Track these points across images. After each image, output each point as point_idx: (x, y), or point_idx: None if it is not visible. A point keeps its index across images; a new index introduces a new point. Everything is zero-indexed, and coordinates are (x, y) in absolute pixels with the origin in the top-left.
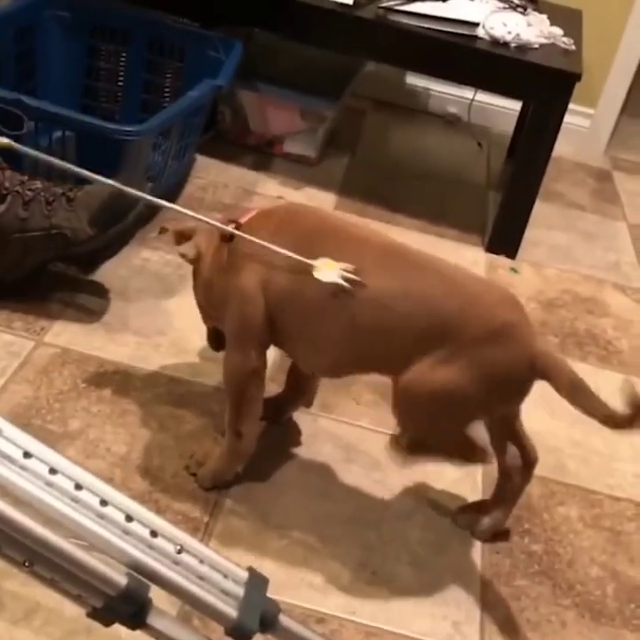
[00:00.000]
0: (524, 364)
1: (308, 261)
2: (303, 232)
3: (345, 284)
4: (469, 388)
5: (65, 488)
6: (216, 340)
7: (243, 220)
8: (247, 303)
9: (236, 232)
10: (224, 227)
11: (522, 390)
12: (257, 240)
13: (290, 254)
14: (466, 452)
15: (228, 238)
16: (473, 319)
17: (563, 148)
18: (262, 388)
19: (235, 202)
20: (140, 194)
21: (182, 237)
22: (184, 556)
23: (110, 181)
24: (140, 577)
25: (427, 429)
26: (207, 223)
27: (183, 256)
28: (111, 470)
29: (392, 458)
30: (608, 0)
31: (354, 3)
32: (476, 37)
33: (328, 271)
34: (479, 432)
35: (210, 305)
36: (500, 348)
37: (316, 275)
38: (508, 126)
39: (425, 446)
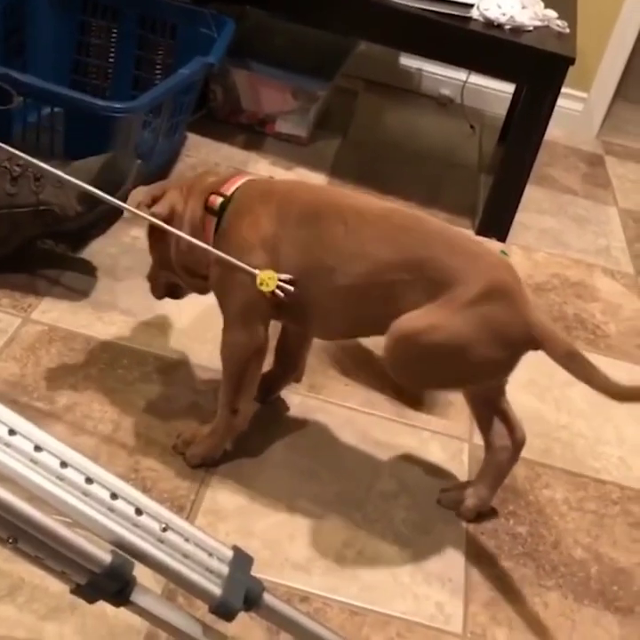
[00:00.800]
0: (521, 327)
1: (250, 270)
2: (305, 207)
3: (281, 294)
4: (469, 340)
5: (50, 465)
6: (163, 291)
7: (228, 192)
8: (254, 285)
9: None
10: (188, 238)
11: (516, 353)
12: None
13: (238, 263)
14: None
15: (215, 211)
16: (476, 275)
17: (555, 131)
18: (262, 367)
19: None
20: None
21: (153, 202)
22: (169, 534)
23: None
24: (124, 554)
25: (418, 381)
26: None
27: (156, 215)
28: (97, 448)
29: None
30: None
31: None
32: (469, 19)
33: (269, 281)
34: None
35: (184, 268)
36: (499, 305)
37: (259, 286)
38: (500, 109)
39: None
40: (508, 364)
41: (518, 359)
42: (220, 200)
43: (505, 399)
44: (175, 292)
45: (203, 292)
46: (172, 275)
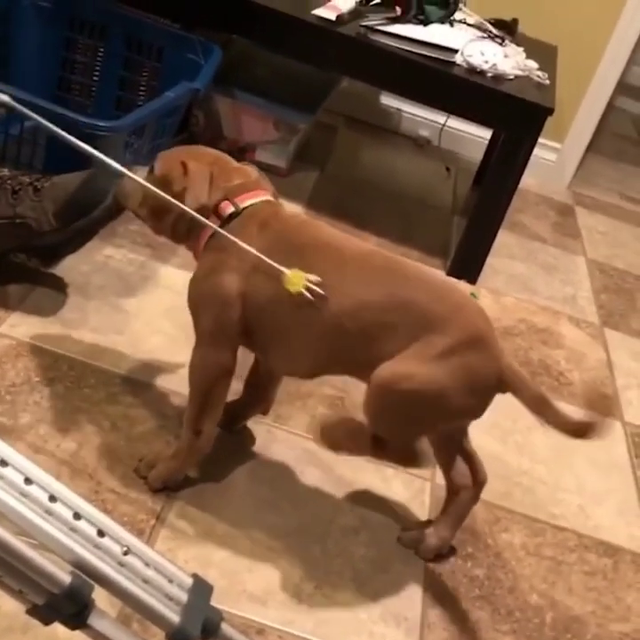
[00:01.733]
0: (495, 373)
1: (281, 268)
2: (295, 241)
3: (308, 295)
4: (449, 388)
5: (14, 481)
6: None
7: (242, 204)
8: (227, 307)
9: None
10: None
11: (488, 399)
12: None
13: (265, 259)
14: (408, 457)
15: (222, 217)
16: (455, 325)
17: (528, 179)
18: (228, 389)
19: None
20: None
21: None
22: (130, 558)
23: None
24: (84, 576)
25: (397, 428)
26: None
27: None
28: (59, 467)
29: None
30: (583, 39)
31: (336, 19)
32: (453, 64)
33: (296, 281)
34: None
35: (174, 228)
36: (476, 354)
37: (286, 284)
38: (476, 153)
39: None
40: (479, 408)
41: (489, 403)
42: (230, 210)
43: (467, 439)
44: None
45: (157, 232)
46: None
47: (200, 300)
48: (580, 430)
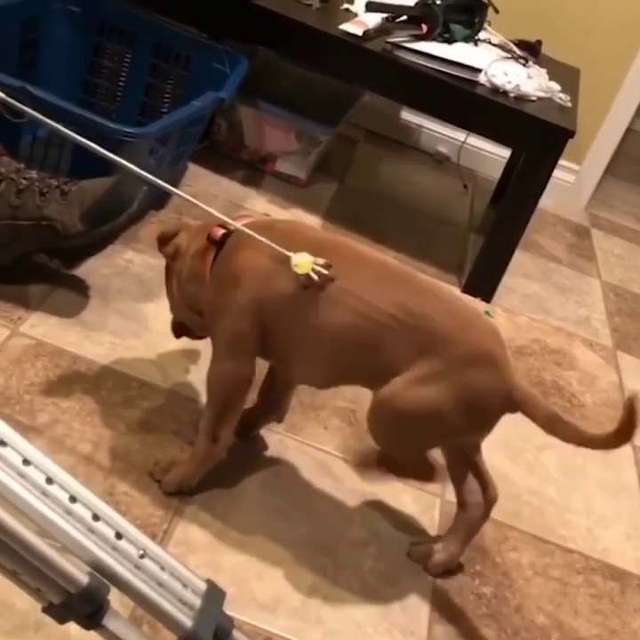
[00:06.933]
0: (502, 393)
1: (286, 253)
2: (303, 244)
3: (316, 277)
4: (447, 407)
5: (36, 481)
6: (179, 330)
7: (232, 227)
8: (242, 317)
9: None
10: (246, 229)
11: (493, 418)
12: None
13: (270, 244)
14: (423, 473)
15: (216, 241)
16: (462, 342)
17: (545, 200)
18: (246, 396)
19: (223, 214)
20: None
21: (165, 238)
22: (146, 561)
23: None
24: (101, 577)
25: (397, 444)
26: (215, 215)
27: (165, 255)
28: (74, 468)
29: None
30: (605, 63)
31: (362, 34)
32: (476, 83)
33: (304, 264)
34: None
35: (186, 303)
36: (482, 373)
37: (294, 268)
38: (495, 172)
39: (387, 463)
40: (483, 427)
41: (496, 422)
42: (222, 231)
43: (480, 456)
44: (187, 332)
45: (205, 332)
46: (180, 313)
47: (217, 310)
48: (599, 441)
